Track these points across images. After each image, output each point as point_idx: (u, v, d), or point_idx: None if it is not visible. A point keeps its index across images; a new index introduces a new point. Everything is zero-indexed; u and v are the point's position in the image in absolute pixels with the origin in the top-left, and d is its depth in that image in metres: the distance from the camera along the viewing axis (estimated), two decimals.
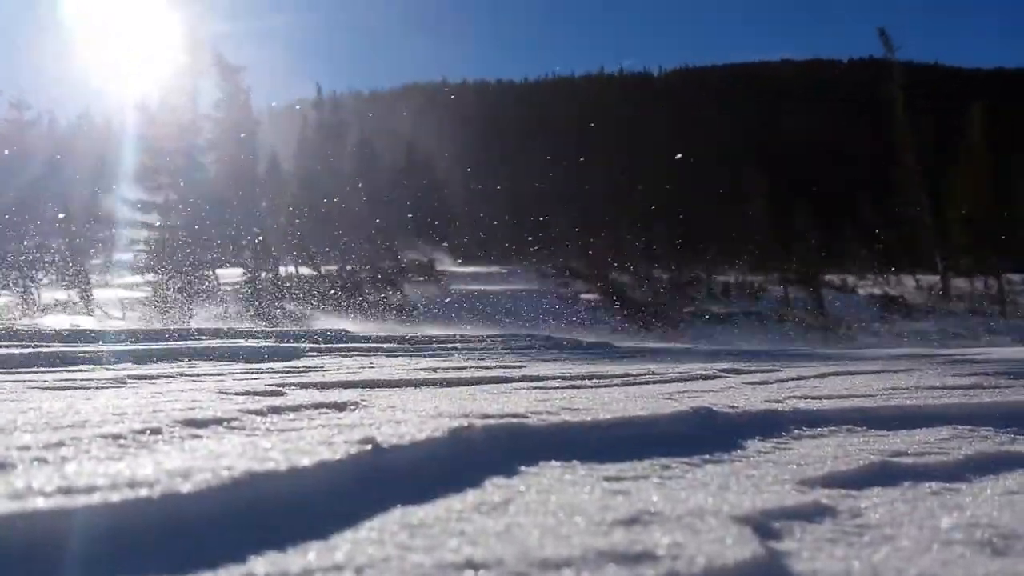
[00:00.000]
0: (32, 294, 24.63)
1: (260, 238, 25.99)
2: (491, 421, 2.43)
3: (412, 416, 2.56)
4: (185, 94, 26.54)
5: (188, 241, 24.88)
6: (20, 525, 1.30)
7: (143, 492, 1.44)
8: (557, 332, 24.60)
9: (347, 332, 12.68)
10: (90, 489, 1.43)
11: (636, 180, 33.75)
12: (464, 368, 5.64)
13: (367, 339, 10.63)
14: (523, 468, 2.12)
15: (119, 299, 25.14)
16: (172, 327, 11.93)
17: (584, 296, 28.58)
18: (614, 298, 28.38)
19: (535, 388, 4.09)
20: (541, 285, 30.46)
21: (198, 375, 4.83)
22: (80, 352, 6.10)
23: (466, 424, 2.33)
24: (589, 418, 2.67)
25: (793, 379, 4.95)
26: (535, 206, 33.08)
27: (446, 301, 27.27)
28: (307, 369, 5.51)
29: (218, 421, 2.37)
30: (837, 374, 5.36)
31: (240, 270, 26.76)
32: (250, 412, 2.57)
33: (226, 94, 26.94)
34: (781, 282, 33.61)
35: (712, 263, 36.72)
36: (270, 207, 26.89)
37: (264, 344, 7.82)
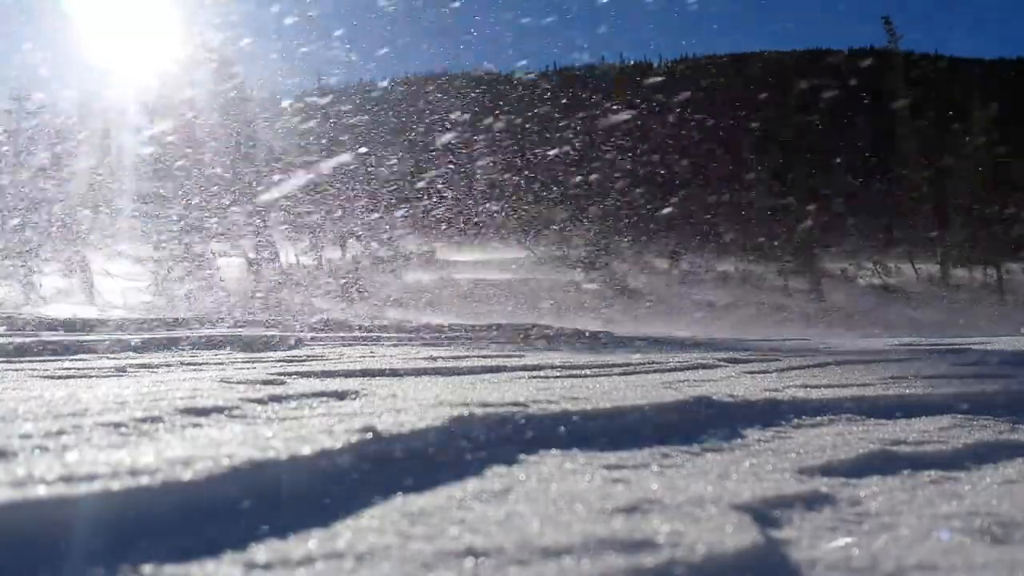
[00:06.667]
0: (33, 283, 24.62)
1: (261, 228, 25.96)
2: (491, 410, 2.44)
3: (412, 405, 2.57)
4: (185, 85, 26.45)
5: (189, 231, 24.85)
6: (22, 513, 1.30)
7: (144, 480, 1.44)
8: (558, 321, 24.60)
9: (348, 321, 12.69)
10: (91, 477, 1.43)
11: (637, 170, 33.70)
12: (464, 357, 5.64)
13: (367, 328, 10.63)
14: (523, 456, 2.13)
15: (120, 288, 25.13)
16: (173, 316, 11.95)
17: (585, 285, 28.54)
18: (615, 287, 28.35)
19: (535, 377, 4.08)
20: (542, 274, 30.42)
21: (199, 364, 4.83)
22: (81, 341, 6.10)
23: (466, 413, 2.33)
24: (589, 407, 2.67)
25: (793, 368, 4.94)
26: (536, 196, 33.06)
27: (446, 290, 27.26)
28: (308, 358, 5.51)
29: (219, 410, 2.37)
30: (836, 363, 5.35)
31: (241, 259, 26.74)
32: (251, 401, 2.57)
33: (226, 85, 26.85)
34: (780, 271, 33.59)
35: (712, 252, 36.70)
36: (271, 197, 26.85)
37: (265, 333, 7.83)
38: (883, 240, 37.49)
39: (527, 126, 34.17)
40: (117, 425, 2.00)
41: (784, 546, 1.48)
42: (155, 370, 4.39)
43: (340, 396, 2.91)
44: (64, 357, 5.27)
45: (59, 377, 3.75)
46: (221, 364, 4.84)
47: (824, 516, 1.71)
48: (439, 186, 31.87)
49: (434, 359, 5.28)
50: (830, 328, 25.19)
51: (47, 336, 6.75)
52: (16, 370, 4.12)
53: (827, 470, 2.16)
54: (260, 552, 1.30)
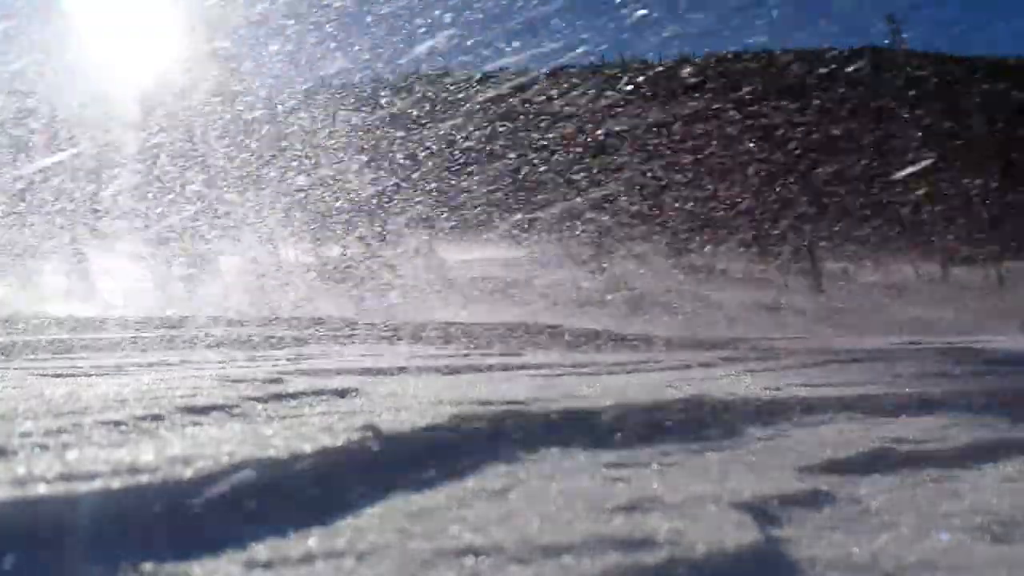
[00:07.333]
0: (33, 282, 24.61)
1: (261, 226, 25.93)
2: (492, 408, 2.43)
3: (413, 403, 2.57)
4: (186, 83, 26.42)
5: (189, 229, 24.83)
6: (22, 512, 1.30)
7: (144, 478, 1.44)
8: (558, 320, 24.55)
9: (348, 319, 12.67)
10: (91, 476, 1.43)
11: (636, 169, 33.70)
12: (465, 355, 5.64)
13: (368, 326, 10.62)
14: (524, 455, 2.12)
15: (120, 287, 25.11)
16: (173, 315, 11.94)
17: (585, 284, 28.52)
18: (615, 286, 28.33)
19: (536, 375, 4.08)
20: (542, 272, 30.38)
21: (199, 362, 4.83)
22: (81, 340, 6.10)
23: (467, 411, 2.33)
24: (590, 405, 2.67)
25: (793, 368, 4.94)
26: (536, 194, 33.05)
27: (447, 288, 27.23)
28: (308, 356, 5.51)
29: (219, 408, 2.37)
30: (836, 363, 5.35)
31: (241, 258, 26.72)
32: (251, 399, 2.57)
33: (227, 83, 26.81)
34: (780, 270, 33.55)
35: (712, 251, 36.65)
36: (271, 195, 26.83)
37: (265, 331, 7.82)
38: (883, 239, 37.46)
39: (525, 124, 34.09)
40: (117, 423, 2.00)
41: (784, 544, 1.48)
42: (155, 368, 4.39)
43: (340, 394, 2.90)
44: (64, 356, 5.27)
45: (59, 375, 3.74)
46: (221, 362, 4.84)
47: (824, 515, 1.71)
48: (441, 185, 31.89)
49: (434, 357, 5.28)
50: (830, 328, 25.16)
51: (47, 335, 6.74)
52: (16, 369, 4.13)
53: (827, 469, 2.16)
54: (260, 550, 1.29)
